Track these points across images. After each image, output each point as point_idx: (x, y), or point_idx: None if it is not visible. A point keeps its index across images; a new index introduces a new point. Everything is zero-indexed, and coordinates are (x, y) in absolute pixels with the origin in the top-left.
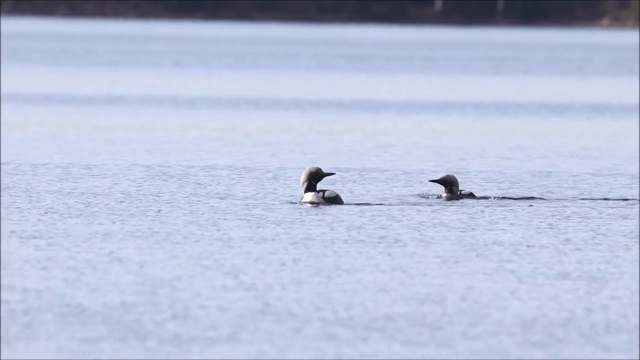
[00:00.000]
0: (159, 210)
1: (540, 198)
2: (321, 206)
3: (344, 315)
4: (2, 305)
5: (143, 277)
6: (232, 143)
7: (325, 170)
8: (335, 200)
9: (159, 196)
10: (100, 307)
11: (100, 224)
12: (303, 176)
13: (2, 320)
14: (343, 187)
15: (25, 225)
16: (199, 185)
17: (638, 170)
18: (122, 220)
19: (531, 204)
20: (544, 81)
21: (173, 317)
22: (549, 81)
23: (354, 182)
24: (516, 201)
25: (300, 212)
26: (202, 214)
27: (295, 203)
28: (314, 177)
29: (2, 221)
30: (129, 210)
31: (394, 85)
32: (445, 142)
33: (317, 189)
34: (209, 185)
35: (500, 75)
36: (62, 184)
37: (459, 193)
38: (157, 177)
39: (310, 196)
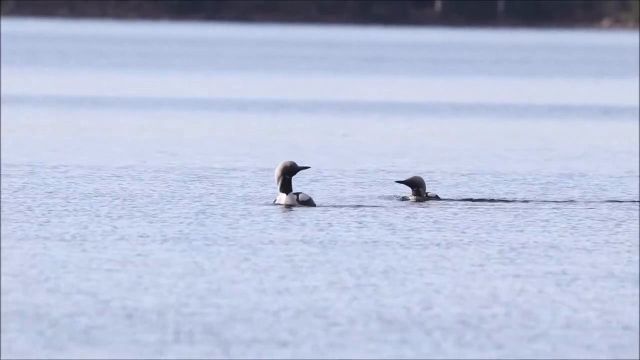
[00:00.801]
0: (193, 213)
1: (507, 200)
2: (296, 209)
3: (393, 317)
4: (47, 309)
5: (186, 280)
6: (238, 144)
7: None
8: (308, 203)
9: (187, 198)
10: (145, 310)
11: (131, 226)
12: (277, 171)
13: (51, 324)
14: (314, 187)
15: (62, 227)
16: (227, 187)
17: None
18: (158, 222)
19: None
20: (545, 83)
21: (220, 319)
22: (551, 83)
23: (324, 182)
24: (484, 203)
25: (332, 214)
26: (240, 216)
27: (270, 204)
28: (289, 172)
29: (37, 223)
30: (164, 212)
31: (394, 87)
32: (439, 143)
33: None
34: (236, 187)
35: (500, 76)
36: (88, 186)
37: (425, 195)
38: (182, 179)
39: (285, 198)
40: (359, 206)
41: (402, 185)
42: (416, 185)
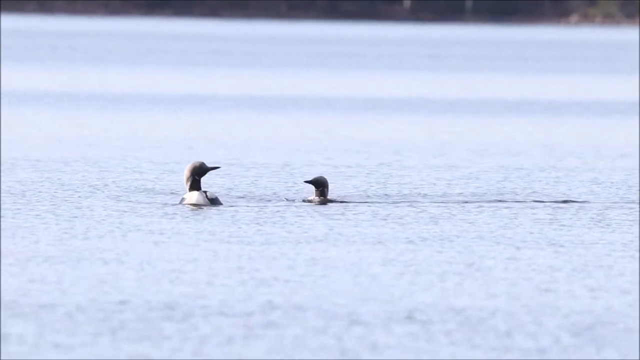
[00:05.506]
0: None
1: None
2: (205, 208)
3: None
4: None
5: (248, 278)
6: (191, 141)
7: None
8: (215, 201)
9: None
10: (205, 308)
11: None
12: (186, 171)
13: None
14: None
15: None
16: (244, 186)
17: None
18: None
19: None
20: (513, 79)
21: (269, 318)
22: (520, 79)
23: (235, 180)
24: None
25: (238, 214)
26: (274, 213)
27: (177, 204)
28: (198, 172)
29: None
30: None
31: (364, 83)
32: (396, 140)
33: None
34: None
35: (467, 72)
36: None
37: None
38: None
39: (196, 197)
40: (264, 207)
41: (310, 185)
42: (321, 185)
